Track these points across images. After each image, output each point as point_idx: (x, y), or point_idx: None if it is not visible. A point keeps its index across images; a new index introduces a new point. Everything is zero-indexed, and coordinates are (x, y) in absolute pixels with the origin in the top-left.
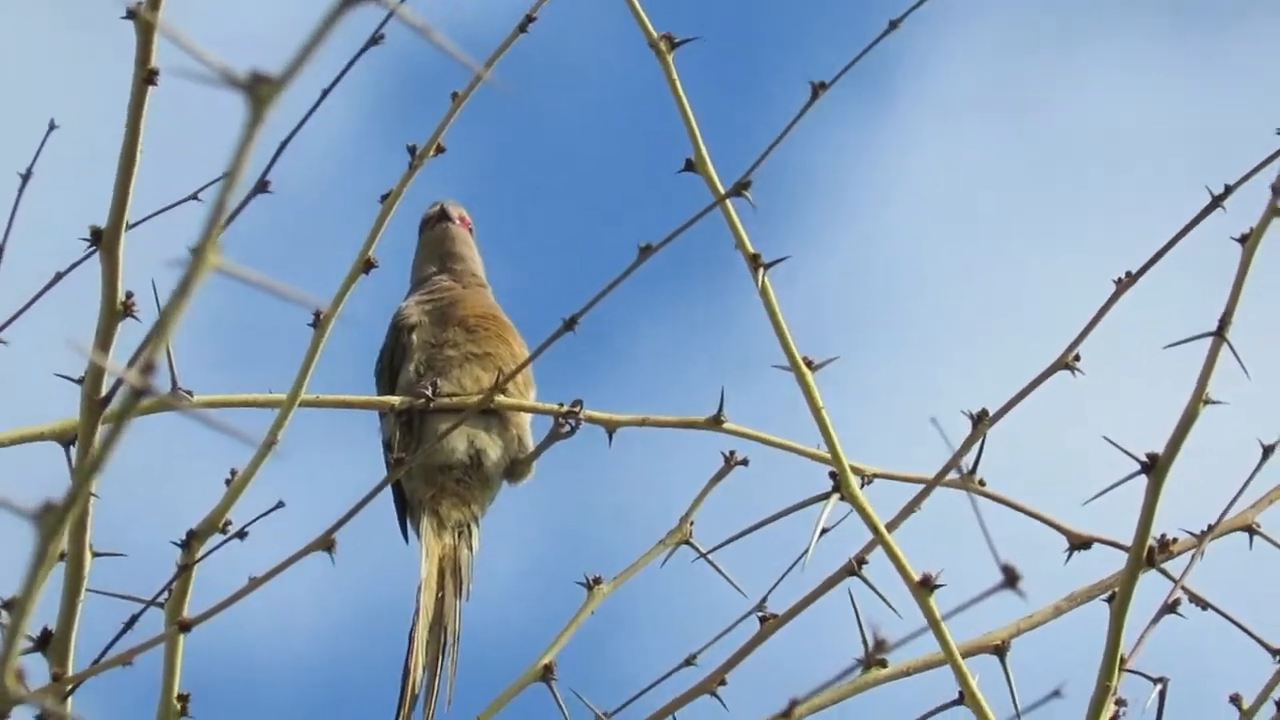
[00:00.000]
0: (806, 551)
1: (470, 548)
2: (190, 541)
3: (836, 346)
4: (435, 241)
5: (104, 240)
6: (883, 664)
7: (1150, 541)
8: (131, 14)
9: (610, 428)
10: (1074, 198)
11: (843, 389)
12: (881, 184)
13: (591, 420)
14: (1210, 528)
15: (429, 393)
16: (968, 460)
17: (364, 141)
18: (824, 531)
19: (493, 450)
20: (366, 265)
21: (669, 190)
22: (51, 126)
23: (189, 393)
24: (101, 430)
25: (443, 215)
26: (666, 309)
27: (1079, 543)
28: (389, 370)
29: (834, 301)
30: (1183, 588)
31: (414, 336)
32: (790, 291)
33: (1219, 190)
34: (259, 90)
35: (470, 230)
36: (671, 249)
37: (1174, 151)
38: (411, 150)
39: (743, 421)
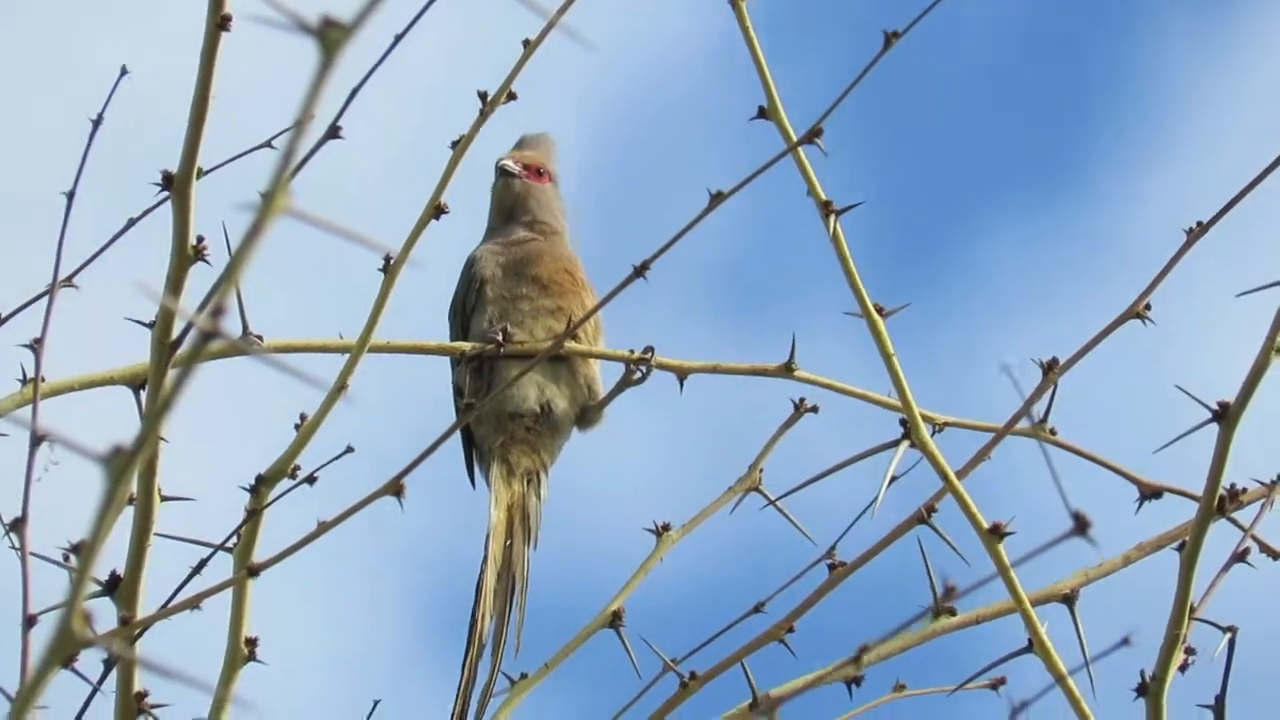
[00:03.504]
0: (876, 499)
1: (539, 496)
2: (259, 486)
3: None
4: (500, 196)
5: (175, 185)
6: (952, 612)
7: (1221, 491)
8: None
9: (681, 374)
10: None
11: (917, 336)
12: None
13: (662, 367)
14: None
15: (500, 338)
16: (1039, 409)
17: (438, 87)
18: (894, 479)
19: (562, 398)
20: (437, 211)
21: (746, 137)
22: (123, 72)
23: (259, 337)
24: (171, 374)
25: (502, 171)
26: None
27: (1149, 492)
28: (461, 314)
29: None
30: (1253, 537)
31: (488, 290)
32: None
33: None
34: (329, 35)
35: (543, 177)
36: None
37: None
38: (482, 96)
39: (819, 370)
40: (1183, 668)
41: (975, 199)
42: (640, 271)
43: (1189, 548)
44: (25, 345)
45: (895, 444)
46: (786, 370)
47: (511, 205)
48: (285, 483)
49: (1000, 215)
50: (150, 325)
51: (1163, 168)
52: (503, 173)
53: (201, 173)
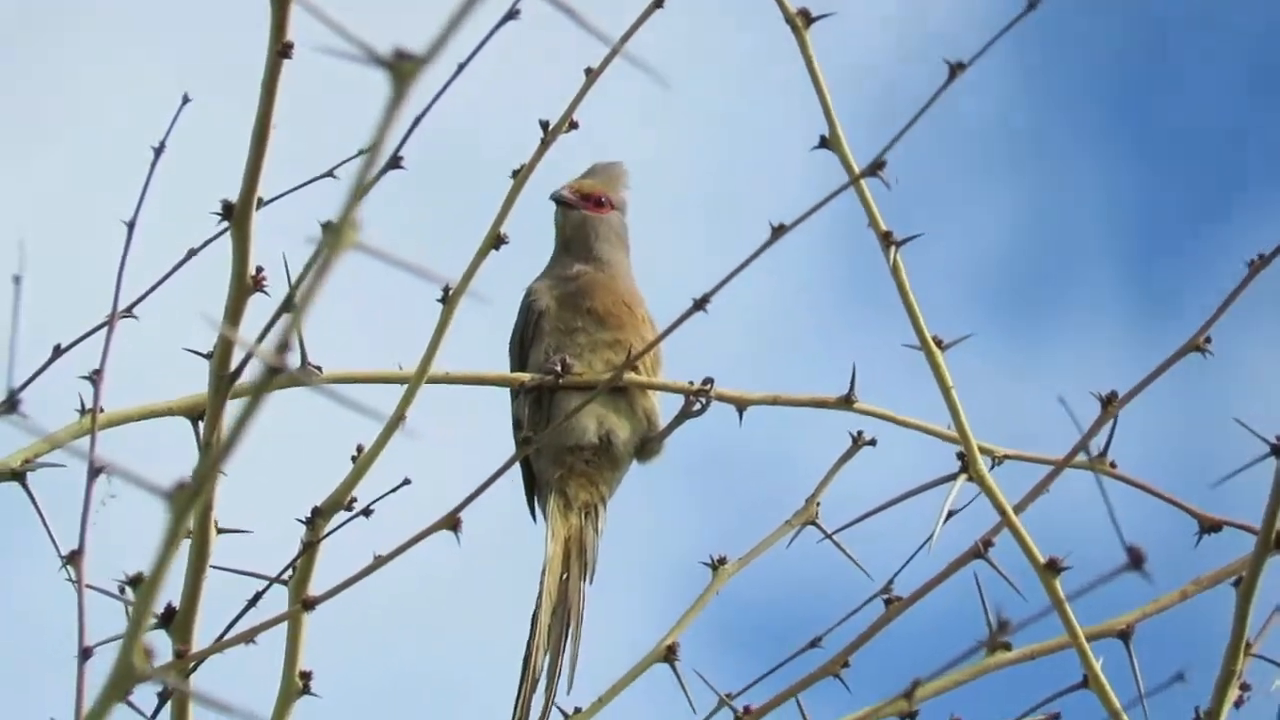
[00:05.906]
0: (933, 534)
1: (596, 529)
2: (315, 519)
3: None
4: (559, 227)
5: (235, 216)
6: (1007, 647)
7: (1278, 525)
8: None
9: (741, 406)
10: None
11: (975, 368)
12: None
13: (722, 399)
14: None
15: (559, 369)
16: (1097, 442)
17: (500, 116)
18: (951, 513)
19: (622, 430)
20: (497, 241)
21: (809, 168)
22: (185, 100)
23: (318, 368)
24: (232, 407)
25: (557, 201)
26: None
27: (1209, 525)
28: (520, 347)
29: None
30: None
31: (544, 323)
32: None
33: None
34: (402, 68)
35: (603, 206)
36: None
37: None
38: (544, 125)
39: (878, 402)
40: (1238, 704)
41: (1232, 200)
42: (700, 305)
43: (1245, 583)
44: (84, 376)
45: (953, 478)
46: (846, 402)
47: (569, 237)
48: (342, 515)
49: (1258, 215)
50: (208, 356)
51: None
52: (558, 203)
53: (262, 203)
